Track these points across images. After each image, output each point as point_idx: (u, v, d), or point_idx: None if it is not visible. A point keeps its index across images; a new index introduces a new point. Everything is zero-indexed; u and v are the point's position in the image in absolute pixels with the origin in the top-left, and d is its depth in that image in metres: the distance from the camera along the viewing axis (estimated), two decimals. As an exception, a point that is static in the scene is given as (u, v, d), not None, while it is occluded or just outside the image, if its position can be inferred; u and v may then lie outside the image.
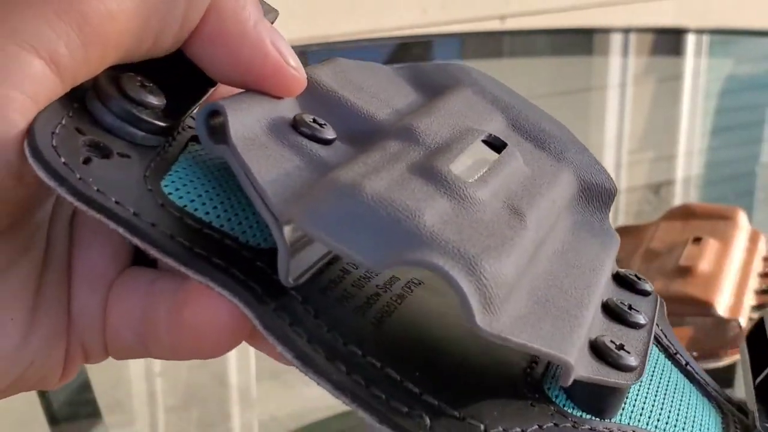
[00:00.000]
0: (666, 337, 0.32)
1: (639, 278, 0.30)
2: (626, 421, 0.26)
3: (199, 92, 0.28)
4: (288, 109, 0.27)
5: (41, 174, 0.22)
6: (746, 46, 1.29)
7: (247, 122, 0.25)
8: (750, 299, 0.64)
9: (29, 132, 0.22)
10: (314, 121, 0.27)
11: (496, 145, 0.29)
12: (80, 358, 0.27)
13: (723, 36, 1.29)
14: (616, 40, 1.25)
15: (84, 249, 0.26)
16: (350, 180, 0.23)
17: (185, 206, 0.25)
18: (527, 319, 0.23)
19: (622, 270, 0.31)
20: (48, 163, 0.22)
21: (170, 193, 0.25)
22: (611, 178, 0.31)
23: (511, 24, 1.31)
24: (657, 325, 0.30)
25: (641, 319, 0.28)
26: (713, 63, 1.25)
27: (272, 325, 0.23)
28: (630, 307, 0.28)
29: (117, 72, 0.25)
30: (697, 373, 0.31)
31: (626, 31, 1.23)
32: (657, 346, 0.31)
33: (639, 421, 0.27)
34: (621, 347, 0.26)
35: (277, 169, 0.24)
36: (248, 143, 0.24)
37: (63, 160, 0.23)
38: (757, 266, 0.68)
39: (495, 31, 1.30)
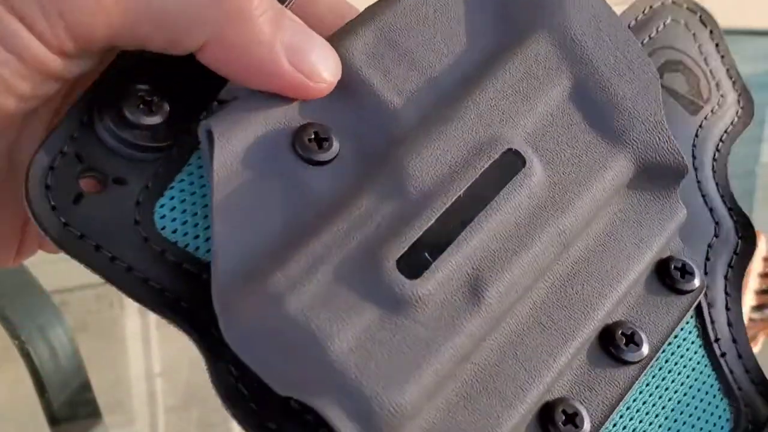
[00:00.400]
0: (729, 308, 0.30)
1: (686, 273, 0.29)
2: None
3: (215, 87, 0.27)
4: (294, 114, 0.26)
5: (31, 217, 0.24)
6: (746, 46, 1.29)
7: (238, 146, 0.25)
8: (750, 299, 0.64)
9: (27, 172, 0.24)
10: (316, 136, 0.26)
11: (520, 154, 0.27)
12: (35, 249, 0.29)
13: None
14: (616, 40, 1.25)
15: None
16: (278, 291, 0.24)
17: (175, 231, 0.26)
18: None
19: (676, 257, 0.29)
20: (35, 213, 0.24)
21: (163, 216, 0.25)
22: (681, 156, 0.29)
23: (511, 24, 1.30)
24: (726, 291, 0.29)
25: (637, 356, 0.27)
26: (713, 63, 1.25)
27: (220, 380, 0.24)
28: (631, 339, 0.27)
29: (123, 83, 0.25)
30: (728, 366, 0.30)
31: (626, 31, 1.23)
32: (698, 330, 0.30)
33: None
34: (571, 419, 0.25)
35: (247, 222, 0.25)
36: (231, 177, 0.25)
37: (53, 203, 0.24)
38: (757, 266, 0.68)
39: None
